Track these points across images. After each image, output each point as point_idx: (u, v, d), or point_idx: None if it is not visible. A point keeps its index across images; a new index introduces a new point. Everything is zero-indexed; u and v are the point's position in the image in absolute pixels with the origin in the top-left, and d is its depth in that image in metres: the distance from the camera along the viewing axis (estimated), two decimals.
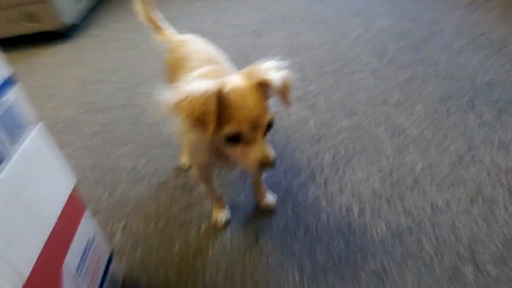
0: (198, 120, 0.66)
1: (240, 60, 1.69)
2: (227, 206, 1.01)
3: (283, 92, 0.71)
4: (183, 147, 0.91)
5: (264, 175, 0.98)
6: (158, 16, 1.13)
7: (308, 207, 0.98)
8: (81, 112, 1.48)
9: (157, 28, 1.11)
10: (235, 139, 0.69)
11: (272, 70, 0.71)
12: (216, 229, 0.98)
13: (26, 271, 0.59)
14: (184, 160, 1.16)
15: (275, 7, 2.03)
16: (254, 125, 0.68)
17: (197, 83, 0.67)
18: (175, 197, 1.08)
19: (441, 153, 1.07)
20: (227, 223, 0.99)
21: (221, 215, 0.99)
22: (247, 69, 0.71)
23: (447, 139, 1.10)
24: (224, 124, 0.67)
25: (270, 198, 1.00)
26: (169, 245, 0.96)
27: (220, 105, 0.65)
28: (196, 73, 0.86)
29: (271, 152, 0.69)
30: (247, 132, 0.68)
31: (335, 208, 0.97)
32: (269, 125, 0.71)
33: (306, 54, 1.59)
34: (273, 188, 1.04)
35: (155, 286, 0.89)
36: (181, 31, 2.00)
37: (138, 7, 1.11)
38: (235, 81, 0.69)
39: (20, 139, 0.59)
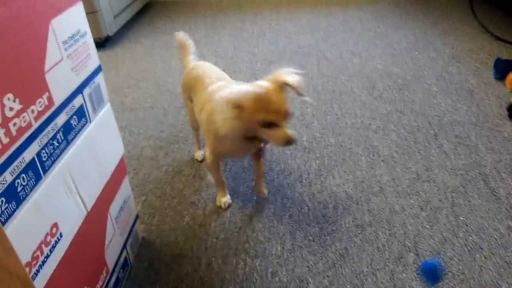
0: (249, 111, 0.95)
1: (253, 80, 1.98)
2: (228, 193, 1.26)
3: (298, 89, 1.00)
4: (206, 141, 1.19)
5: (264, 168, 1.24)
6: (189, 43, 1.41)
7: (294, 200, 1.24)
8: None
9: (184, 53, 1.41)
10: (268, 124, 0.96)
11: (289, 75, 1.00)
12: (218, 210, 1.23)
13: (89, 206, 0.84)
14: (198, 154, 1.43)
15: (286, 42, 2.34)
16: (282, 115, 0.96)
17: (245, 87, 0.98)
18: (187, 182, 1.34)
19: (404, 171, 1.33)
20: (228, 206, 1.24)
21: (224, 200, 1.25)
22: (272, 76, 1.01)
23: (410, 161, 1.37)
24: (263, 114, 0.95)
25: (264, 188, 1.27)
26: (180, 218, 1.21)
27: (261, 100, 0.95)
28: (214, 86, 1.15)
29: (293, 134, 0.98)
30: (277, 120, 0.96)
31: (315, 203, 1.22)
32: (290, 115, 1.00)
33: (307, 83, 1.88)
34: (269, 183, 1.30)
35: (166, 246, 1.13)
36: (206, 53, 2.32)
37: (180, 36, 1.40)
38: (266, 85, 0.98)
39: (99, 110, 0.86)
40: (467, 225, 1.13)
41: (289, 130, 0.97)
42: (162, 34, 2.51)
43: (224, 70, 2.02)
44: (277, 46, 2.28)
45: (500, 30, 2.27)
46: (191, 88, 1.28)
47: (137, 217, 1.13)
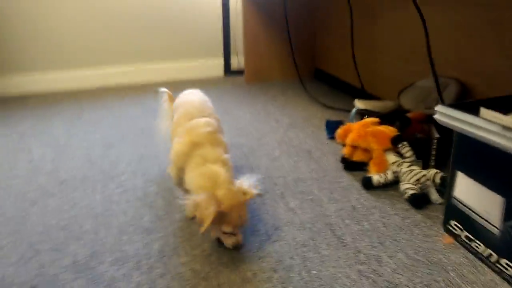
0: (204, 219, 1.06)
1: (88, 165, 1.76)
2: None
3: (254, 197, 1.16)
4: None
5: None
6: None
7: None
8: None
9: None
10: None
11: (252, 186, 1.15)
12: None
13: None
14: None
15: (129, 125, 2.23)
16: (240, 225, 1.13)
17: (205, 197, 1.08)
18: None
19: (254, 234, 1.24)
20: None
21: None
22: (237, 185, 1.15)
23: (259, 223, 1.30)
24: (223, 224, 1.10)
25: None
26: None
27: (223, 215, 1.08)
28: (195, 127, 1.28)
29: (241, 240, 1.16)
30: (234, 231, 1.12)
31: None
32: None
33: (152, 162, 1.75)
34: (96, 279, 1.06)
35: None
36: (32, 144, 2.04)
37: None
38: (231, 197, 1.10)
39: None
40: (320, 278, 1.06)
41: (240, 236, 1.15)
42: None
43: (53, 160, 1.78)
44: (119, 130, 2.15)
45: (327, 100, 2.56)
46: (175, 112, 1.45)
47: None
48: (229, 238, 1.13)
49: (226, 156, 1.22)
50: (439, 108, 1.04)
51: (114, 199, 1.47)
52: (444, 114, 1.02)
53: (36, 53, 2.96)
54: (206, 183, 1.12)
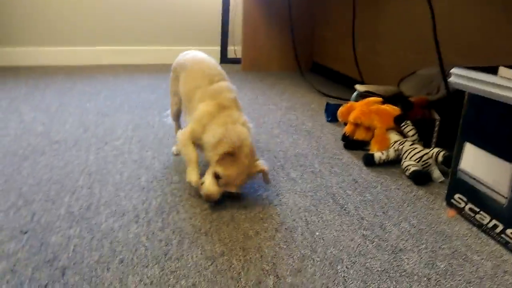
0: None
1: (80, 130, 1.71)
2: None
3: (267, 178, 1.20)
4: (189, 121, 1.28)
5: None
6: None
7: (127, 242, 0.98)
8: None
9: None
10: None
11: (265, 165, 1.17)
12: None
13: None
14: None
15: (124, 98, 2.17)
16: (229, 185, 1.12)
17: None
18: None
19: (255, 199, 1.21)
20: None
21: (195, 179, 1.17)
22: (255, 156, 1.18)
23: (260, 189, 1.27)
24: (222, 167, 1.11)
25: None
26: None
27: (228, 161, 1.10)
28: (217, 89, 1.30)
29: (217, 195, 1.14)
30: (220, 184, 1.12)
31: (154, 242, 0.98)
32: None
33: (147, 131, 1.70)
34: (93, 228, 1.01)
35: None
36: (24, 109, 1.99)
37: None
38: (244, 156, 1.12)
39: None
40: (323, 240, 1.03)
41: (233, 187, 1.13)
42: None
43: (44, 124, 1.72)
44: (114, 102, 2.09)
45: (326, 90, 2.55)
46: (182, 70, 1.40)
47: None
48: (212, 186, 1.11)
49: (250, 124, 1.25)
50: (455, 70, 1.03)
51: (109, 160, 1.42)
52: (461, 76, 1.01)
53: (30, 27, 2.88)
54: (233, 137, 1.11)
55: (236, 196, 1.20)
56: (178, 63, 1.46)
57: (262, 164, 1.17)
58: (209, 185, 1.11)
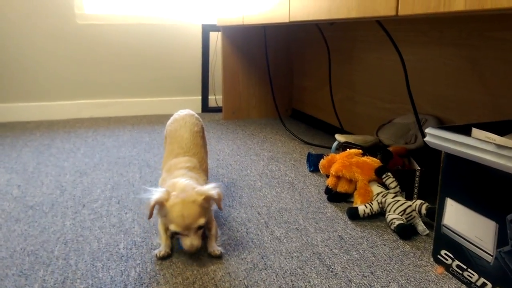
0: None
1: (57, 192, 1.67)
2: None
3: (219, 203, 1.19)
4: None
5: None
6: None
7: None
8: None
9: None
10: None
11: (214, 189, 1.15)
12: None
13: None
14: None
15: (104, 154, 2.14)
16: (192, 229, 1.12)
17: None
18: None
19: (239, 262, 1.17)
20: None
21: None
22: (195, 188, 1.16)
23: (244, 252, 1.23)
24: (173, 227, 1.12)
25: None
26: None
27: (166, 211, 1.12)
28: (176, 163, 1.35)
29: (196, 243, 1.13)
30: (182, 232, 1.12)
31: None
32: (200, 227, 1.13)
33: (127, 189, 1.66)
34: None
35: None
36: (1, 173, 1.90)
37: None
38: (177, 195, 1.13)
39: None
40: None
41: (194, 240, 1.12)
42: None
43: (19, 186, 1.68)
44: (92, 159, 2.05)
45: (306, 137, 2.57)
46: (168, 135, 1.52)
47: None
48: (185, 239, 1.13)
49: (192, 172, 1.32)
50: (429, 130, 1.05)
51: (87, 225, 1.37)
52: (435, 136, 1.03)
53: (7, 84, 2.86)
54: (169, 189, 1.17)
55: (218, 256, 1.19)
56: (166, 129, 1.58)
57: (211, 188, 1.16)
58: (185, 240, 1.13)
